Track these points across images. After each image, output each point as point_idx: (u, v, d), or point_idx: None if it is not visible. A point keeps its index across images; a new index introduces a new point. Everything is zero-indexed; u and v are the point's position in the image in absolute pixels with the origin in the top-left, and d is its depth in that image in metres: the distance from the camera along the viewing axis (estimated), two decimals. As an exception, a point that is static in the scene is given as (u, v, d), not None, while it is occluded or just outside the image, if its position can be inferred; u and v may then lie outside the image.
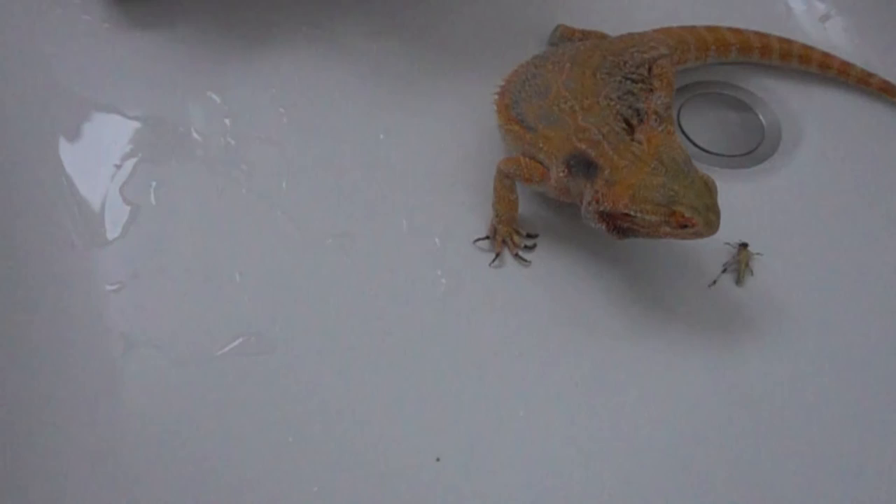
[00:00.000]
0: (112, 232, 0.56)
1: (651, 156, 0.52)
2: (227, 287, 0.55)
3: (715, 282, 0.56)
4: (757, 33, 0.66)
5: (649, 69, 0.61)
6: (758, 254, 0.57)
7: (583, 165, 0.53)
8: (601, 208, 0.52)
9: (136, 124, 0.62)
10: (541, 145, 0.56)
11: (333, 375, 0.52)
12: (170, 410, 0.51)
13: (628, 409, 0.52)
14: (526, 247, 0.57)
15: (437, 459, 0.49)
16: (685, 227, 0.50)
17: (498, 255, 0.57)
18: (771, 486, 0.49)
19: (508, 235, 0.57)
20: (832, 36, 0.69)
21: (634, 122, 0.55)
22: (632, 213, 0.51)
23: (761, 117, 0.65)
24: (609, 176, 0.52)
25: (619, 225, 0.53)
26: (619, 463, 0.50)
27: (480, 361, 0.53)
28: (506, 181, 0.57)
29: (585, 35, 0.65)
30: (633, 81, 0.59)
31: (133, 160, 0.60)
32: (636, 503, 0.49)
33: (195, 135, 0.62)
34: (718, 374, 0.53)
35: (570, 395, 0.52)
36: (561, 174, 0.55)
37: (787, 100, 0.66)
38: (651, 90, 0.59)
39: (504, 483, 0.49)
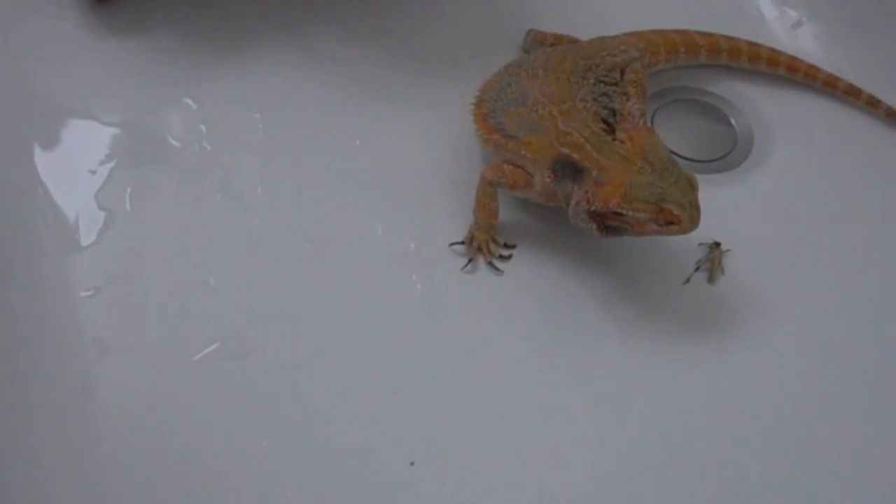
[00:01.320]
0: (87, 238, 0.56)
1: (637, 155, 0.52)
2: (203, 292, 0.55)
3: (688, 279, 0.57)
4: (725, 36, 0.67)
5: (621, 72, 0.61)
6: (728, 250, 0.57)
7: (569, 169, 0.54)
8: (592, 208, 0.53)
9: (111, 130, 0.62)
10: (523, 152, 0.56)
11: (308, 380, 0.52)
12: (145, 416, 0.51)
13: (606, 410, 0.52)
14: (501, 256, 0.57)
15: (412, 463, 0.49)
16: (671, 223, 0.51)
17: (471, 260, 0.57)
18: (752, 479, 0.50)
19: (485, 243, 0.57)
20: (804, 43, 0.70)
21: (612, 121, 0.56)
22: (623, 211, 0.52)
23: (734, 123, 0.66)
24: (598, 177, 0.52)
25: (607, 224, 0.53)
26: (600, 463, 0.50)
27: (455, 365, 0.53)
28: (489, 189, 0.57)
29: (557, 39, 0.66)
30: (607, 84, 0.59)
31: (108, 166, 0.60)
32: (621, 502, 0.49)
33: (171, 141, 0.62)
34: (693, 368, 0.54)
35: (547, 397, 0.52)
36: (547, 179, 0.55)
37: (759, 105, 0.66)
38: (625, 93, 0.60)
39: (479, 487, 0.49)
